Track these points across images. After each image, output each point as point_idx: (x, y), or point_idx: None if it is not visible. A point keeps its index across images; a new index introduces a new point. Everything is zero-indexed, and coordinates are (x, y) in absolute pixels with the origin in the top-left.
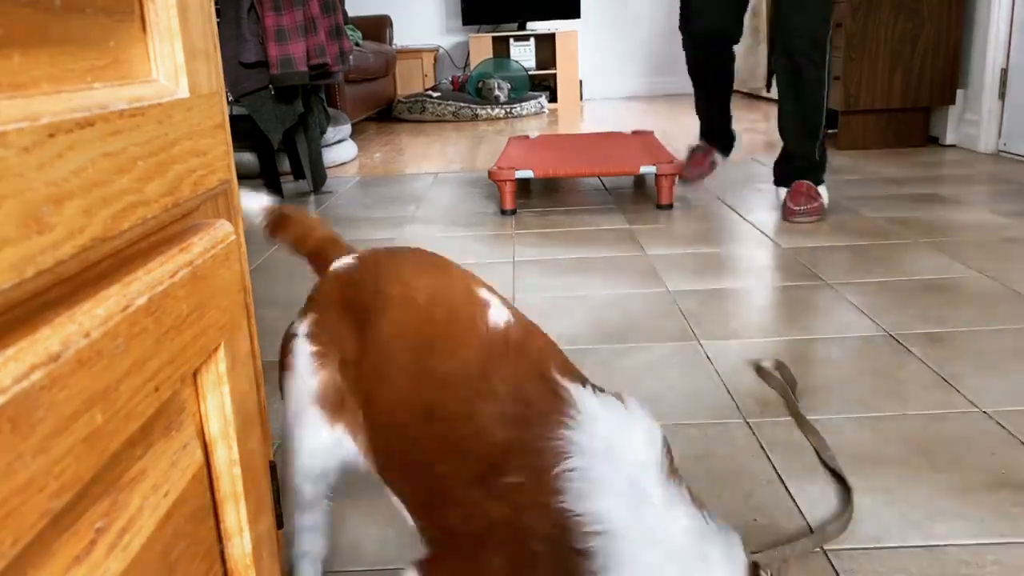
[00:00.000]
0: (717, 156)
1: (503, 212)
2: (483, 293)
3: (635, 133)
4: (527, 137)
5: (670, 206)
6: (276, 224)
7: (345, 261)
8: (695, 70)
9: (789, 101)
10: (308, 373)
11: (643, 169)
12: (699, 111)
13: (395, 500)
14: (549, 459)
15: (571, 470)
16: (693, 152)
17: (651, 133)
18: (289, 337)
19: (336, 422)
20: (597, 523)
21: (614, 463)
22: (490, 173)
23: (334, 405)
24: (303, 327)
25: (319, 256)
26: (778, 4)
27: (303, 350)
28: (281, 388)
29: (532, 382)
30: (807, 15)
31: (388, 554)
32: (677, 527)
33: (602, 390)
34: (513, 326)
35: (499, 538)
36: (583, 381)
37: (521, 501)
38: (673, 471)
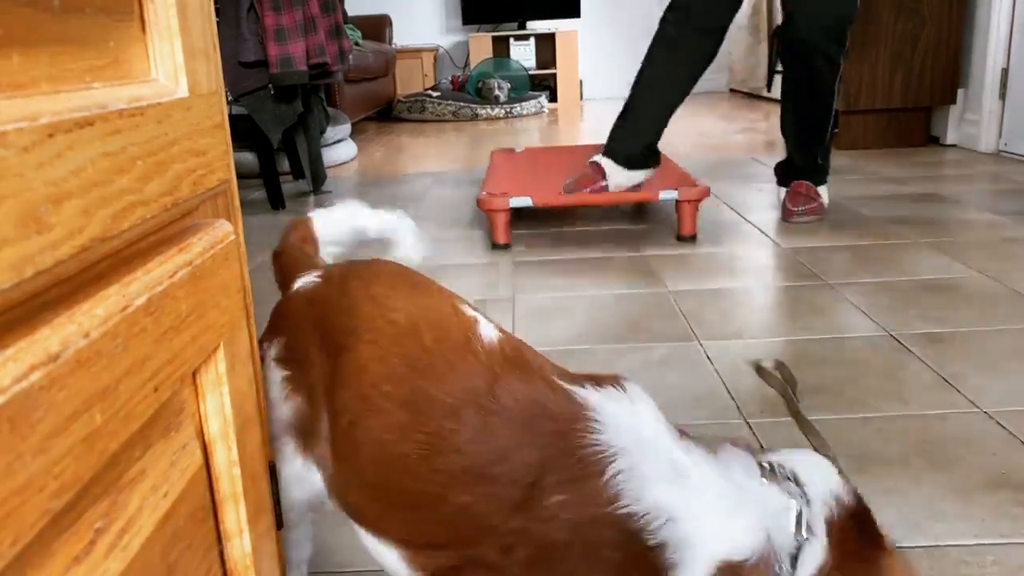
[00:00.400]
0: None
1: (494, 246)
2: (468, 310)
3: None
4: (512, 151)
5: (694, 237)
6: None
7: (310, 279)
8: (667, 50)
9: (792, 111)
10: (280, 400)
11: (663, 196)
12: (631, 113)
13: (376, 549)
14: (592, 468)
15: (618, 473)
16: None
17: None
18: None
19: (307, 454)
20: (660, 515)
21: (650, 451)
22: (479, 201)
23: (304, 435)
24: (272, 350)
25: (286, 270)
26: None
27: (274, 376)
28: None
29: (546, 393)
30: (821, 18)
31: None
32: (714, 477)
33: (597, 382)
34: (504, 340)
35: (561, 558)
36: (580, 380)
37: (574, 518)
38: (673, 428)
